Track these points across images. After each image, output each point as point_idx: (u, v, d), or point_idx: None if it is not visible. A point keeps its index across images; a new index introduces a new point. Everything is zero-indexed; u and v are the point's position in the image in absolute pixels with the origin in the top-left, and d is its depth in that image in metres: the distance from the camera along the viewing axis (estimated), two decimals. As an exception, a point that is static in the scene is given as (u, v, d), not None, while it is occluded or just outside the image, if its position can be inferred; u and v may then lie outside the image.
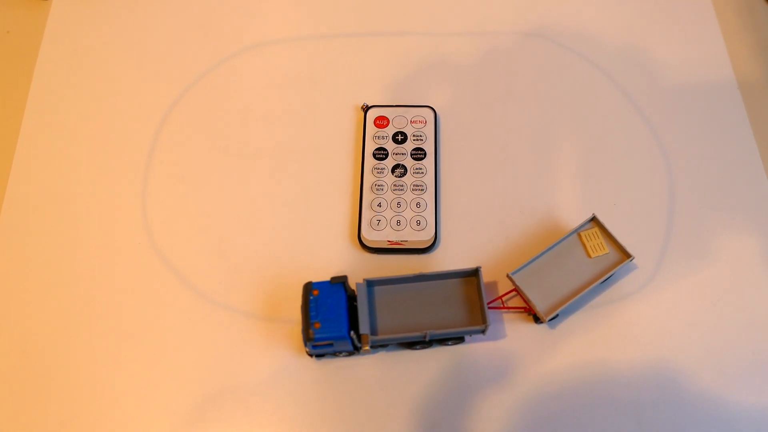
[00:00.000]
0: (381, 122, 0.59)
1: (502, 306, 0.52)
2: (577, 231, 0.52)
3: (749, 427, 0.48)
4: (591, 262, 0.51)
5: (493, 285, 0.53)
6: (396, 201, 0.55)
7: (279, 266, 0.54)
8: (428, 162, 0.57)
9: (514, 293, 0.52)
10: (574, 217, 0.55)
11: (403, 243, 0.54)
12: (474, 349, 0.51)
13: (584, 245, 0.51)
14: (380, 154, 0.57)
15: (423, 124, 0.58)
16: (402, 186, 0.56)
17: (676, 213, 0.56)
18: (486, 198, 0.56)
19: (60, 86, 0.62)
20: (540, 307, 0.50)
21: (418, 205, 0.55)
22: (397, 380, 0.50)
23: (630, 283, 0.53)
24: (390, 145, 0.58)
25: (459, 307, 0.50)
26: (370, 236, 0.54)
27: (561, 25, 0.64)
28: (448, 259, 0.54)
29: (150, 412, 0.49)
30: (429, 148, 0.57)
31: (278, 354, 0.51)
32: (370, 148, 0.58)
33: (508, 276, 0.50)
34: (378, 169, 0.57)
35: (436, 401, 0.49)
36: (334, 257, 0.54)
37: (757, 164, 0.57)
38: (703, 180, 0.57)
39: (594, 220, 0.52)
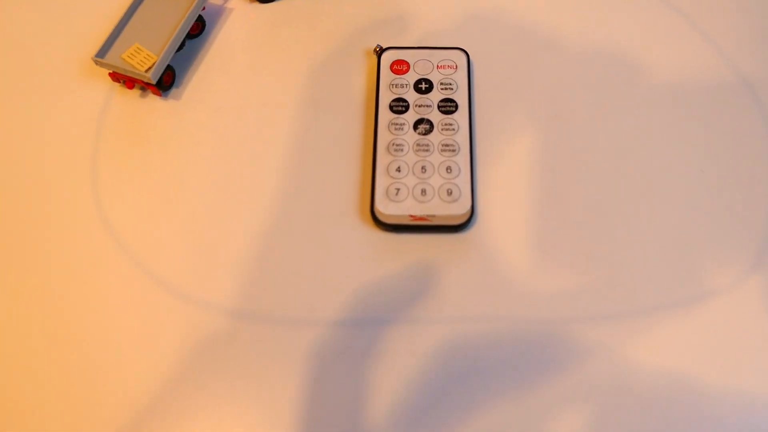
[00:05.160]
0: (399, 68, 0.46)
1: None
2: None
3: None
4: None
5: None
6: (420, 165, 0.42)
7: (266, 251, 0.41)
8: (461, 116, 0.44)
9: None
10: (648, 186, 0.43)
11: (429, 218, 0.41)
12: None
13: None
14: (399, 106, 0.44)
15: (453, 70, 0.46)
16: (428, 146, 0.43)
17: (781, 182, 0.43)
18: (533, 162, 0.44)
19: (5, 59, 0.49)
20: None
21: (448, 169, 0.42)
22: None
23: (712, 281, 0.40)
24: (411, 96, 0.45)
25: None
26: (387, 210, 0.41)
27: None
28: (487, 239, 0.41)
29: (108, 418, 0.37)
30: (461, 99, 0.45)
31: (263, 360, 0.38)
32: (386, 99, 0.45)
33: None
34: (396, 125, 0.44)
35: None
36: (338, 238, 0.42)
37: None
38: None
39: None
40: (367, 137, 0.45)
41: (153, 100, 0.47)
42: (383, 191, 0.42)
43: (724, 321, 0.39)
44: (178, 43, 0.46)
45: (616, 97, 0.46)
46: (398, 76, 0.46)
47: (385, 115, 0.44)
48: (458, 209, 0.41)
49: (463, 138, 0.43)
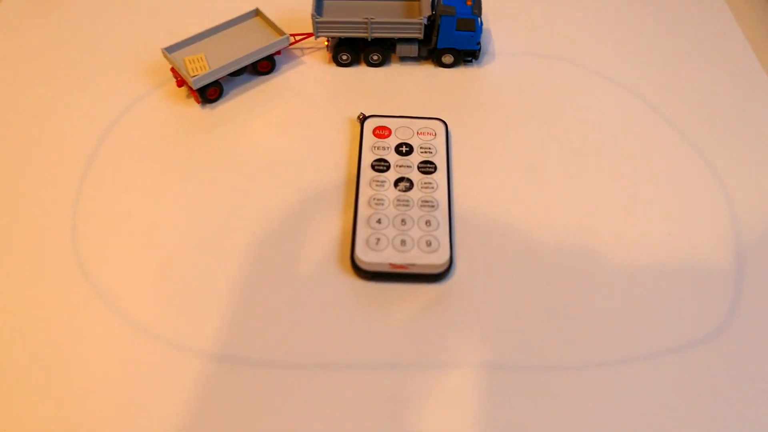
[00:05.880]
0: (381, 132, 0.48)
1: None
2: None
3: None
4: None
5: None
6: (400, 218, 0.43)
7: (246, 296, 0.41)
8: (439, 176, 0.46)
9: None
10: (617, 243, 0.44)
11: (409, 267, 0.41)
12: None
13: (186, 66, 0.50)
14: (380, 165, 0.46)
15: (432, 137, 0.48)
16: (407, 201, 0.44)
17: (745, 245, 0.45)
18: (511, 223, 0.45)
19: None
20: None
21: (428, 223, 0.43)
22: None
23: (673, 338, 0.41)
24: (392, 157, 0.47)
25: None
26: (367, 257, 0.41)
27: (582, 47, 0.57)
28: (465, 290, 0.42)
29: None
30: (440, 162, 0.47)
31: (242, 402, 0.37)
32: (368, 159, 0.47)
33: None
34: (378, 181, 0.45)
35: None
36: (316, 286, 0.41)
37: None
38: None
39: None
40: (349, 194, 0.46)
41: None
42: (364, 240, 0.42)
43: (697, 372, 0.39)
44: (234, 69, 0.50)
45: (587, 166, 0.49)
46: (380, 140, 0.48)
47: (367, 173, 0.46)
48: (437, 259, 0.42)
49: (441, 195, 0.45)
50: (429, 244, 0.42)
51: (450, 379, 0.38)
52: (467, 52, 0.54)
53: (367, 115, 0.50)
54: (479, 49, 0.54)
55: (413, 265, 0.41)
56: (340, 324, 0.40)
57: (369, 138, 0.48)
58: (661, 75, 0.55)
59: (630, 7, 0.61)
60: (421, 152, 0.47)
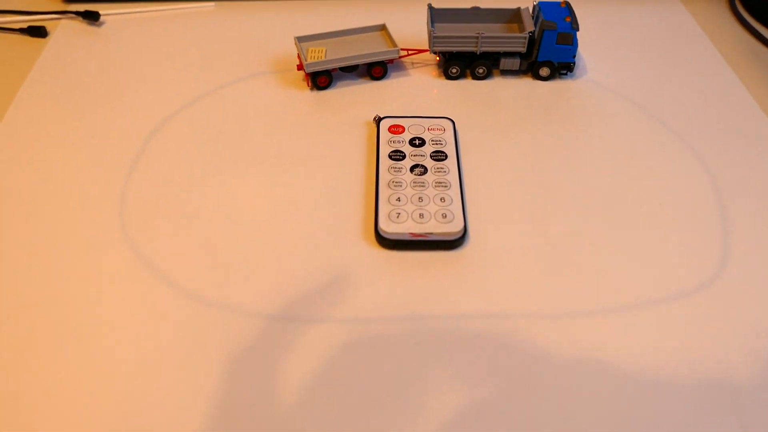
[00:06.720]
0: (396, 129, 0.54)
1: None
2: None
3: None
4: None
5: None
6: (417, 196, 0.48)
7: (279, 266, 0.45)
8: (450, 163, 0.51)
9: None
10: (621, 214, 0.49)
11: (428, 235, 0.46)
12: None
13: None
14: (397, 155, 0.52)
15: (442, 131, 0.54)
16: (423, 183, 0.49)
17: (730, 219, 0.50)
18: (517, 203, 0.50)
19: (50, 89, 0.57)
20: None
21: (442, 200, 0.48)
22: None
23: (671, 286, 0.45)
24: (407, 149, 0.52)
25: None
26: (389, 228, 0.46)
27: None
28: (480, 257, 0.46)
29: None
30: (450, 151, 0.52)
31: (282, 354, 0.40)
32: (386, 150, 0.52)
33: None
34: (395, 168, 0.51)
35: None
36: (344, 257, 0.46)
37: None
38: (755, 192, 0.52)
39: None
40: (370, 181, 0.51)
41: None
42: (386, 215, 0.47)
43: (690, 319, 0.43)
44: (342, 64, 0.59)
45: (583, 158, 0.54)
46: (395, 135, 0.54)
47: (386, 162, 0.51)
48: (453, 227, 0.46)
49: (453, 178, 0.50)
50: (444, 216, 0.47)
51: (466, 327, 0.42)
52: (563, 65, 0.60)
53: (382, 116, 0.56)
54: (574, 62, 0.60)
55: (431, 233, 0.46)
56: (367, 285, 0.44)
57: (385, 134, 0.54)
58: (656, 85, 0.62)
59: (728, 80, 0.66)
60: (433, 143, 0.53)
